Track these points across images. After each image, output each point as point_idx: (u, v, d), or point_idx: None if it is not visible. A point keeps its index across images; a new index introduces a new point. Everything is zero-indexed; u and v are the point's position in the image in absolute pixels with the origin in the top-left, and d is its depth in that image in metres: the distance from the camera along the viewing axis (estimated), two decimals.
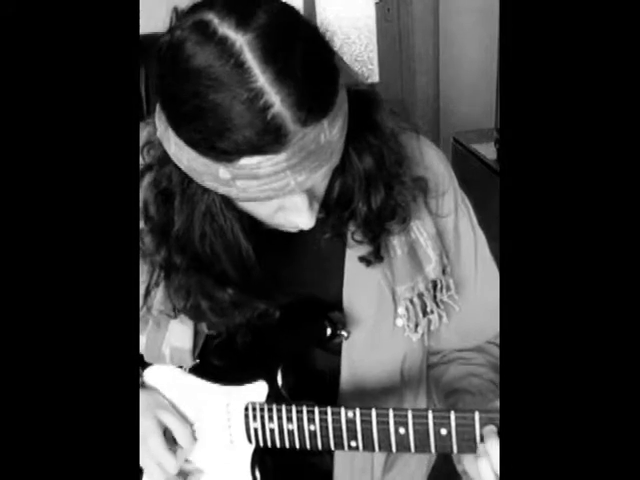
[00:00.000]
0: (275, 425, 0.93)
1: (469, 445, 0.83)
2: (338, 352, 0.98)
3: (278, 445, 0.94)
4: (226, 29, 0.69)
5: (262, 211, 0.81)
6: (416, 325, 0.98)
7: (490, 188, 1.04)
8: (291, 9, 0.75)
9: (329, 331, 0.94)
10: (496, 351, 1.07)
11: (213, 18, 0.69)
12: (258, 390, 0.96)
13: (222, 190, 0.75)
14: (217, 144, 0.70)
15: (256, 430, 0.95)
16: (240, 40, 0.68)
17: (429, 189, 0.95)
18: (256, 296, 0.90)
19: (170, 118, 0.74)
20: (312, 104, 0.70)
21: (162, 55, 0.73)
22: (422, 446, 0.86)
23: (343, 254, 0.96)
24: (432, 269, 0.97)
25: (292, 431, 0.92)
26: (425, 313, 0.98)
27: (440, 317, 0.98)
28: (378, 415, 0.87)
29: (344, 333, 0.94)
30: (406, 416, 0.86)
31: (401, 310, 0.97)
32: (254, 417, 0.95)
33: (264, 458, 0.97)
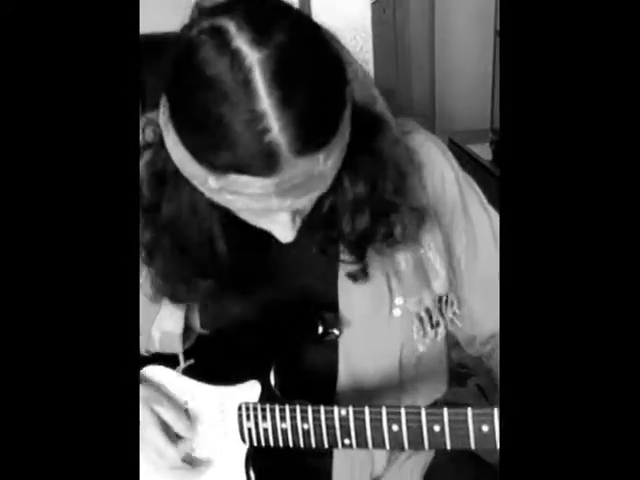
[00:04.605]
0: (269, 424, 0.93)
1: (463, 441, 0.83)
2: (335, 347, 0.98)
3: (272, 444, 0.93)
4: (241, 43, 0.67)
5: (246, 216, 0.82)
6: (424, 336, 0.99)
7: (485, 188, 1.03)
8: (313, 28, 0.74)
9: (321, 329, 0.94)
10: None
11: (231, 27, 0.68)
12: (251, 390, 0.95)
13: (208, 194, 0.76)
14: (209, 157, 0.71)
15: (250, 430, 0.95)
16: (252, 57, 0.67)
17: (430, 215, 0.94)
18: (232, 293, 0.92)
19: (172, 116, 0.74)
20: (311, 136, 0.70)
21: (176, 52, 0.72)
22: (415, 443, 0.86)
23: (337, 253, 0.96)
24: (440, 284, 0.97)
25: (285, 430, 0.92)
26: (432, 326, 0.98)
27: (446, 328, 0.99)
28: (371, 413, 0.87)
29: (336, 331, 0.94)
30: (399, 413, 0.86)
31: (398, 300, 0.97)
32: (247, 417, 0.95)
33: (259, 458, 0.96)
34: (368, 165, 0.85)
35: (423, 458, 1.10)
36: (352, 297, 0.96)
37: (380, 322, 0.97)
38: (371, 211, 0.87)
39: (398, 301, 0.97)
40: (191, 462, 1.00)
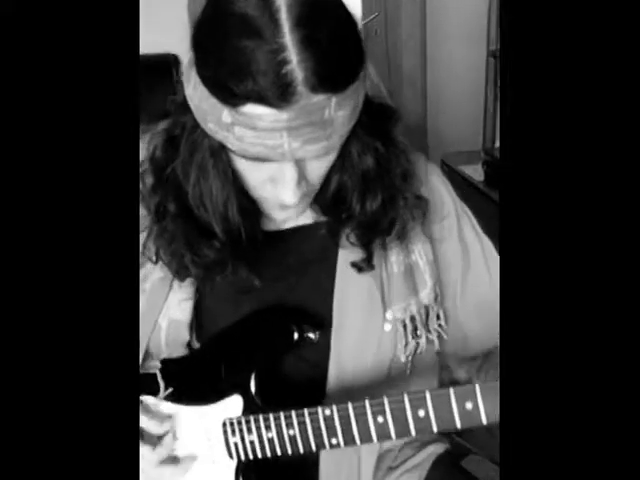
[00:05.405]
0: (255, 436, 0.91)
1: (448, 422, 0.81)
2: (326, 351, 0.96)
3: (260, 456, 0.91)
4: None
5: (253, 177, 0.83)
6: (405, 345, 0.98)
7: (477, 209, 1.05)
8: None
9: (296, 335, 0.92)
10: None
11: None
12: (233, 405, 0.93)
13: (220, 136, 0.78)
14: (229, 85, 0.74)
15: (236, 444, 0.92)
16: (281, 0, 0.73)
17: (430, 212, 0.97)
18: (238, 258, 0.91)
19: (195, 53, 0.78)
20: (326, 76, 0.73)
21: None
22: (402, 431, 0.84)
23: (336, 255, 0.96)
24: (426, 294, 0.98)
25: (272, 439, 0.90)
26: (415, 336, 0.98)
27: (427, 341, 0.99)
28: (355, 408, 0.85)
29: (312, 335, 0.93)
30: (383, 404, 0.84)
31: (389, 315, 0.96)
32: (232, 432, 0.92)
33: (248, 473, 0.94)
34: (379, 146, 0.89)
35: (417, 474, 1.06)
36: (347, 296, 0.95)
37: (372, 327, 0.96)
38: (381, 194, 0.90)
39: (389, 315, 0.96)
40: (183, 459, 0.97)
